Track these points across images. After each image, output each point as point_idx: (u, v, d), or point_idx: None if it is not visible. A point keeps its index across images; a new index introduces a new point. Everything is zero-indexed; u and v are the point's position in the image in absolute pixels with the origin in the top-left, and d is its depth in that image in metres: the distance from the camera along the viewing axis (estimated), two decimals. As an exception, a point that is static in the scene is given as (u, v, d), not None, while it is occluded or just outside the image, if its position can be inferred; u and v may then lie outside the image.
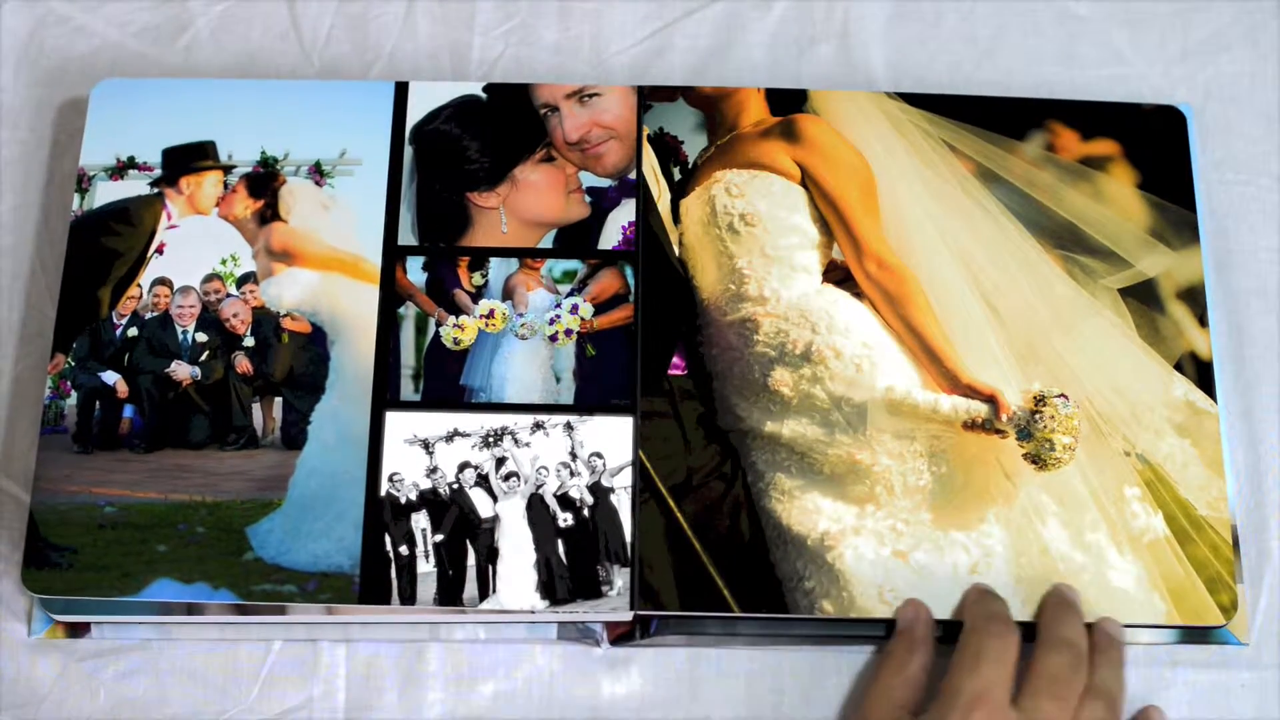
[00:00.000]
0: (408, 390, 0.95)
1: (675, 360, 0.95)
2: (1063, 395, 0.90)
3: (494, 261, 0.98)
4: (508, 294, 0.97)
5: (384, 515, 0.91)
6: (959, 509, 0.90)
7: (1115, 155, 0.99)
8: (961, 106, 1.00)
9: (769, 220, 0.96)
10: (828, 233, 0.96)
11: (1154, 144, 1.00)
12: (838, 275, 0.96)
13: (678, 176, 1.00)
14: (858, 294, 0.95)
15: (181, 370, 0.96)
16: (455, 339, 0.96)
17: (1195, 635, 0.91)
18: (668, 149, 1.00)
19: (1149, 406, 0.92)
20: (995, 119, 1.00)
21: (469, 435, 0.93)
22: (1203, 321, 0.94)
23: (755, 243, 0.95)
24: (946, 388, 0.92)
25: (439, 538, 0.90)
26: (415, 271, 0.97)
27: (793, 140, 0.97)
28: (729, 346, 0.95)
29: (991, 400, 0.90)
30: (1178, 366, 0.94)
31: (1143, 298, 0.95)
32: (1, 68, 1.07)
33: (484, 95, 1.02)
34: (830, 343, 0.92)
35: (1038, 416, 0.89)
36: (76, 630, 0.92)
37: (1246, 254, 1.01)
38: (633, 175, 0.99)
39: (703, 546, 0.90)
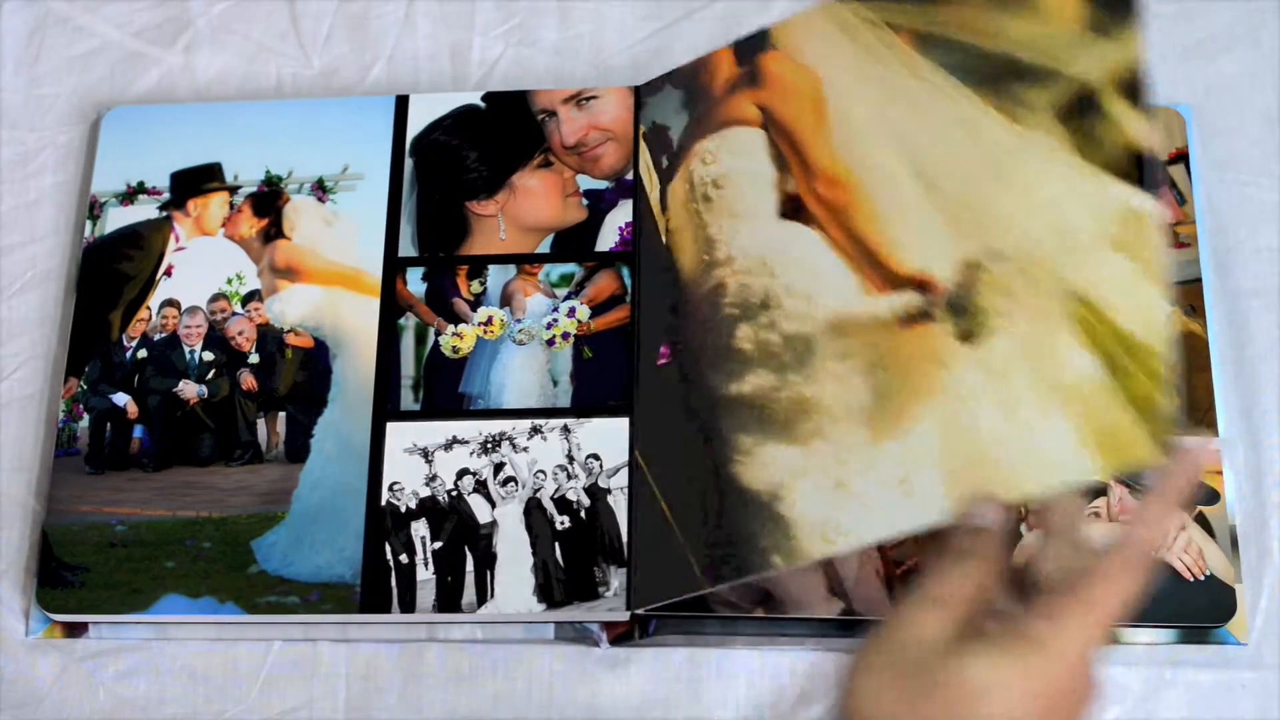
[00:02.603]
0: (408, 400, 0.95)
1: (663, 350, 0.94)
2: (996, 254, 0.82)
3: (492, 268, 0.98)
4: (506, 300, 0.97)
5: (384, 524, 0.91)
6: (895, 414, 0.84)
7: None
8: None
9: (735, 176, 0.92)
10: (785, 167, 0.92)
11: None
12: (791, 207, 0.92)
13: (665, 164, 0.99)
14: (811, 220, 0.90)
15: (189, 389, 0.98)
16: (454, 347, 0.96)
17: (1195, 635, 0.88)
18: (663, 141, 0.99)
19: (1083, 228, 0.81)
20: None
21: (467, 442, 0.93)
22: (1142, 107, 0.81)
23: (725, 205, 0.92)
24: (882, 284, 0.86)
25: (437, 545, 0.91)
26: (415, 282, 0.98)
27: (755, 85, 0.94)
28: (703, 319, 0.91)
29: (924, 284, 0.84)
30: (1118, 169, 0.81)
31: (1080, 109, 0.83)
32: (1, 68, 1.09)
33: (483, 104, 1.02)
34: (784, 282, 0.88)
35: (969, 286, 0.82)
36: (74, 630, 0.93)
37: (1246, 254, 0.98)
38: (630, 176, 0.99)
39: (691, 543, 0.88)
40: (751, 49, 0.95)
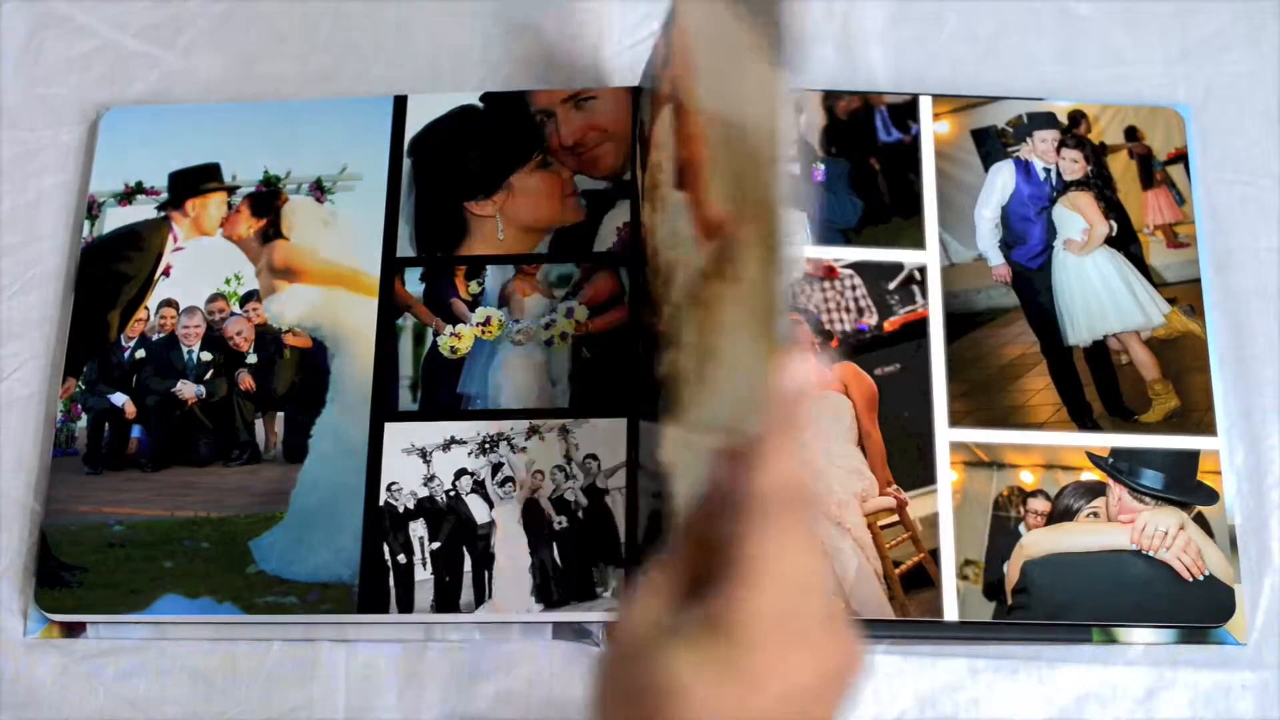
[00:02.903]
0: (406, 401, 0.95)
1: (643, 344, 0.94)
2: (776, 186, 0.68)
3: (490, 269, 0.98)
4: (504, 300, 0.97)
5: (383, 524, 0.91)
6: (713, 370, 0.76)
7: None
8: None
9: (661, 157, 0.91)
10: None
11: None
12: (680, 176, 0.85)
13: (642, 158, 0.98)
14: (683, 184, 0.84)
15: (187, 389, 0.98)
16: (452, 348, 0.96)
17: (1194, 635, 0.89)
18: (644, 137, 0.99)
19: (769, 129, 0.69)
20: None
21: (465, 443, 0.93)
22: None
23: (661, 189, 0.90)
24: (704, 236, 0.78)
25: (435, 545, 0.91)
26: (414, 282, 0.98)
27: (669, 62, 0.89)
28: (651, 306, 0.91)
29: (718, 228, 0.76)
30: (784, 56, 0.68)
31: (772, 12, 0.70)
32: (1, 68, 1.09)
33: (481, 105, 1.02)
34: (675, 254, 0.85)
35: (735, 222, 0.73)
36: (73, 630, 0.93)
37: (1246, 254, 0.99)
38: (628, 176, 0.99)
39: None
40: (668, 27, 0.91)
